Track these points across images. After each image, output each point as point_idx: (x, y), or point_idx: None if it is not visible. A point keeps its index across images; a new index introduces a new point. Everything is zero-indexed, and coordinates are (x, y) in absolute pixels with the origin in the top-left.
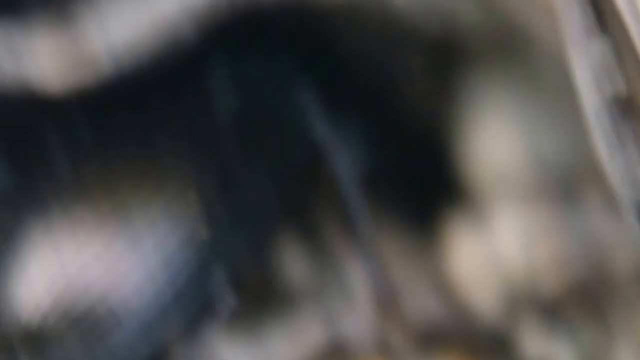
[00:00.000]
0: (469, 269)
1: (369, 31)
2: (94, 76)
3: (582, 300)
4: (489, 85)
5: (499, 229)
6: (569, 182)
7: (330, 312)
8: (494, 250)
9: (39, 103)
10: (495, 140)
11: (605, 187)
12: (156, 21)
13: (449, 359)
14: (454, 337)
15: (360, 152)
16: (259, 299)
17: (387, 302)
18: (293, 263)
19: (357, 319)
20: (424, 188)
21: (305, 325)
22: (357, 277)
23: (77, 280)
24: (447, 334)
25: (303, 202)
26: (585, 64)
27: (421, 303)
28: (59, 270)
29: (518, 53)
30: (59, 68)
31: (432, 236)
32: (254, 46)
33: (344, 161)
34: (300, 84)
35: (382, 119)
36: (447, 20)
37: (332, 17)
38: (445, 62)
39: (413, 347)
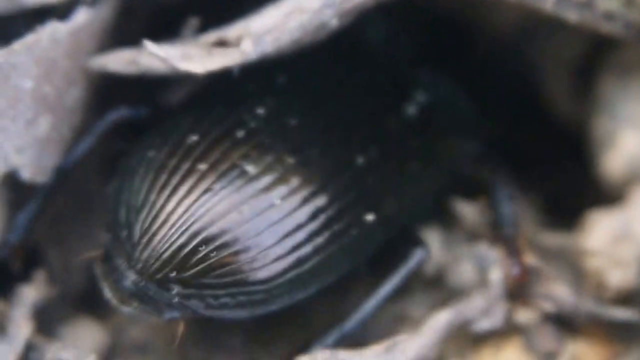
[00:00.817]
0: (605, 249)
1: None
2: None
3: None
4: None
5: (634, 211)
6: None
7: (463, 292)
8: (630, 230)
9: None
10: (629, 132)
11: None
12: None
13: (583, 343)
14: (587, 321)
15: (502, 141)
16: None
17: (521, 283)
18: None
19: (490, 300)
20: (562, 173)
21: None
22: (492, 258)
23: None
24: (581, 317)
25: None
26: None
27: (556, 286)
28: None
29: None
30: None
31: (570, 219)
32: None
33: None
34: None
35: (524, 110)
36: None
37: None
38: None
39: (547, 330)
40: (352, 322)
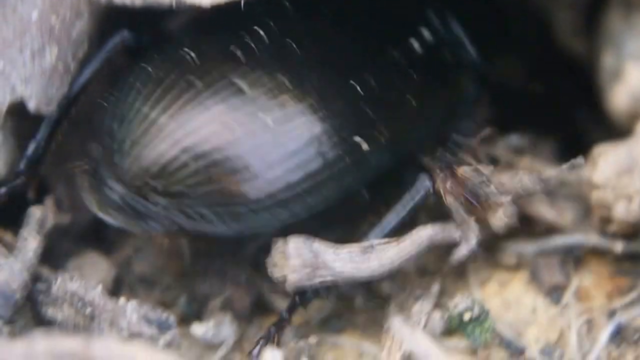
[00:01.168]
0: (610, 182)
1: None
2: None
3: None
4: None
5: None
6: None
7: None
8: (635, 163)
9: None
10: (634, 66)
11: None
12: None
13: (588, 277)
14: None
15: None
16: None
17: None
18: None
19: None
20: (571, 106)
21: None
22: None
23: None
24: (585, 246)
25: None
26: None
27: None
28: None
29: None
30: None
31: (577, 150)
32: None
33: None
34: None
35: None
36: None
37: None
38: None
39: (553, 264)
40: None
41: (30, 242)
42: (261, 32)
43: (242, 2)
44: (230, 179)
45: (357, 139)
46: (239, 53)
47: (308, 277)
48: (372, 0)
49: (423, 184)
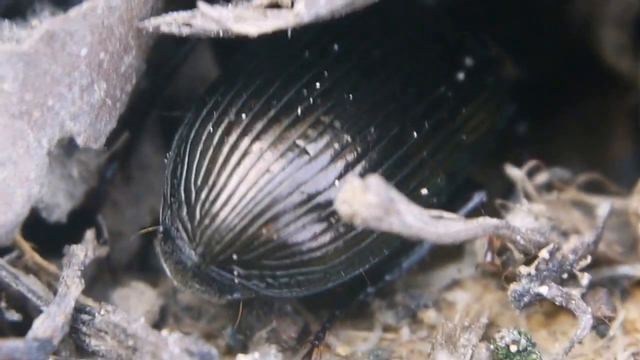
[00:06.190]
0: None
1: None
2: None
3: None
4: None
5: None
6: None
7: None
8: None
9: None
10: None
11: None
12: None
13: (634, 309)
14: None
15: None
16: None
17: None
18: None
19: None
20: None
21: None
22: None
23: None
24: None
25: None
26: None
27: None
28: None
29: None
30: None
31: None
32: None
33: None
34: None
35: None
36: None
37: None
38: None
39: (600, 297)
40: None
41: (72, 288)
42: (317, 84)
43: (289, 32)
44: (302, 241)
45: (418, 186)
46: (297, 110)
47: (377, 219)
48: (412, 37)
49: (478, 197)
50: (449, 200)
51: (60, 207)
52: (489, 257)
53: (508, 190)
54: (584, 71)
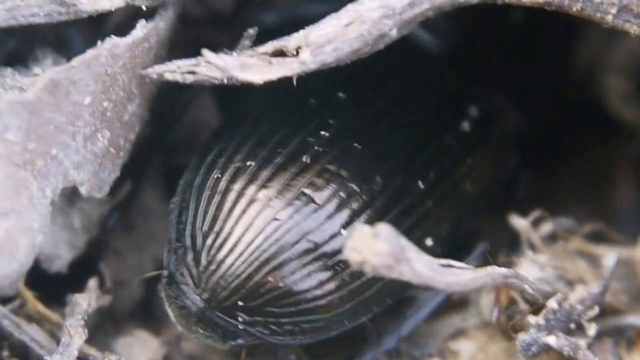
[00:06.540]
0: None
1: None
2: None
3: None
4: None
5: None
6: None
7: None
8: None
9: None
10: None
11: None
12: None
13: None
14: None
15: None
16: None
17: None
18: None
19: None
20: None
21: None
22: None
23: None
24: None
25: None
26: None
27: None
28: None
29: None
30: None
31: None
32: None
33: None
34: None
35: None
36: None
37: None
38: None
39: (605, 346)
40: (410, 318)
41: (75, 338)
42: (323, 132)
43: (295, 80)
44: (307, 290)
45: (423, 236)
46: (304, 158)
47: (388, 267)
48: (417, 85)
49: (481, 247)
50: (451, 250)
51: (60, 258)
52: (495, 314)
53: (512, 240)
54: (587, 119)
